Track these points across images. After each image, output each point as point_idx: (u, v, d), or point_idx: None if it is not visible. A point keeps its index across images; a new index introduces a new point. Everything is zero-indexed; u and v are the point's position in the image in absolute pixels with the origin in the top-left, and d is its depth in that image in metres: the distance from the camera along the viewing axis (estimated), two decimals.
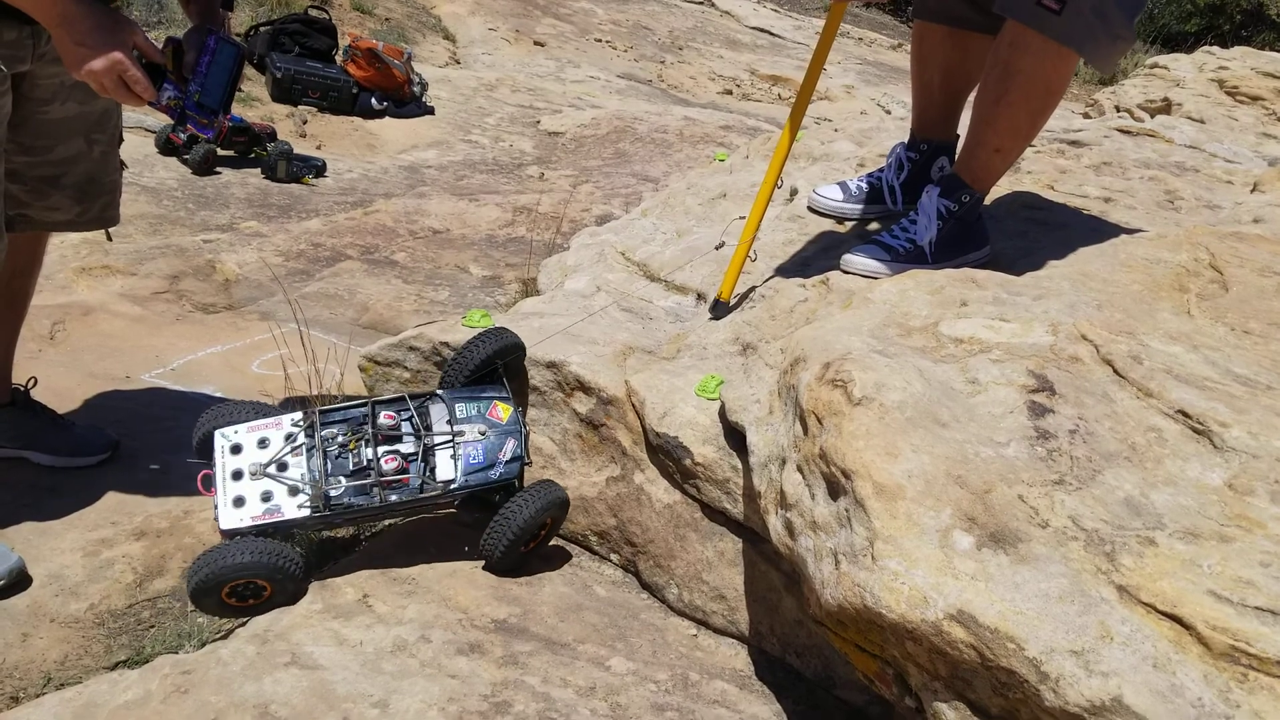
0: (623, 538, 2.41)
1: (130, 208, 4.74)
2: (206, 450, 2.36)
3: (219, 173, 5.59)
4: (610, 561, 2.47)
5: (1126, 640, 1.30)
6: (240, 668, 1.94)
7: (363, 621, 2.10)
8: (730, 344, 2.49)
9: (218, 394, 3.32)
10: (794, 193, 3.32)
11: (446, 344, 2.59)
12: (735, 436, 2.16)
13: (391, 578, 2.27)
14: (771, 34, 12.67)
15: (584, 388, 2.45)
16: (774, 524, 1.84)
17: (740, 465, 2.15)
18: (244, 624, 2.19)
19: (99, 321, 3.75)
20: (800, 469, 1.76)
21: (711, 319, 2.62)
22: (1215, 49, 7.44)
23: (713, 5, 13.47)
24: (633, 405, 2.36)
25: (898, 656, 1.52)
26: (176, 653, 2.14)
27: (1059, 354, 1.85)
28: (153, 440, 3.01)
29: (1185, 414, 1.68)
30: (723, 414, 2.20)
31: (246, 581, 2.14)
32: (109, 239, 2.85)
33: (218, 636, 2.24)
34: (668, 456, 2.27)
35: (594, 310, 2.78)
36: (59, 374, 3.29)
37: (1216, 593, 1.34)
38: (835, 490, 1.64)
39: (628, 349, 2.56)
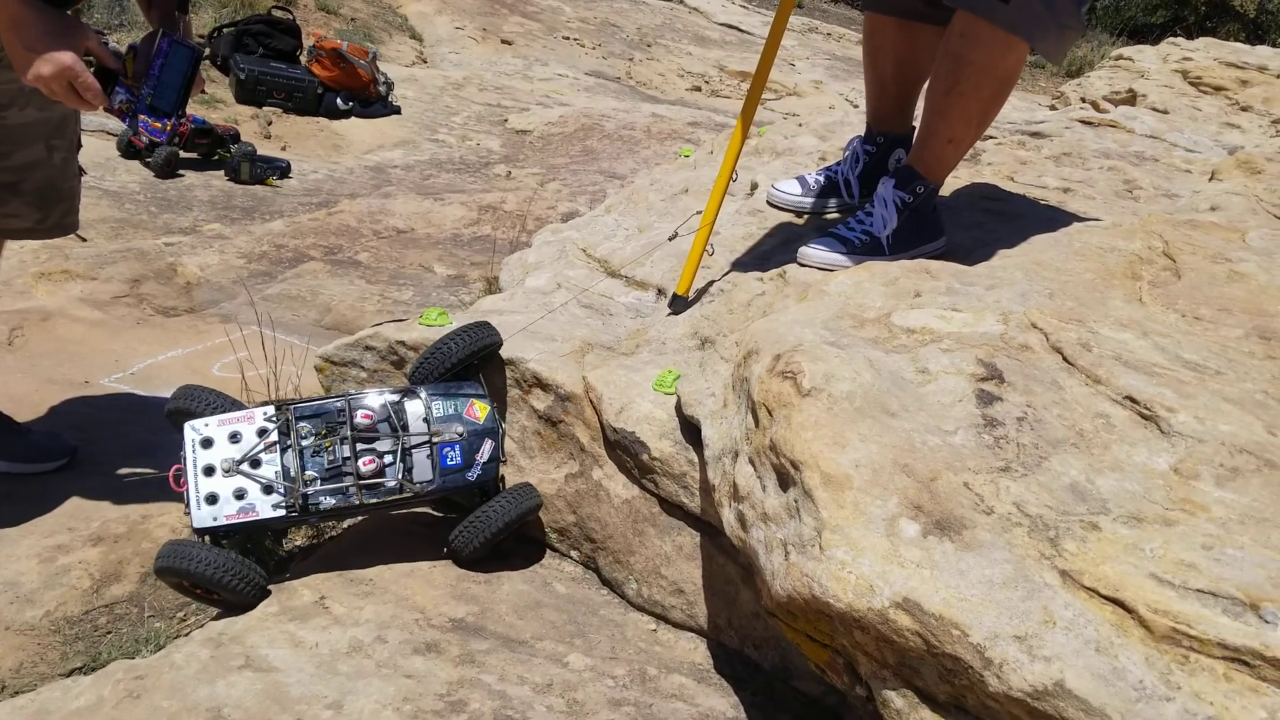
0: (582, 534, 2.40)
1: (92, 211, 4.70)
2: (175, 424, 2.33)
3: (182, 175, 5.54)
4: (570, 558, 2.47)
5: (1069, 625, 1.31)
6: (194, 671, 1.92)
7: (319, 623, 2.09)
8: (689, 338, 2.48)
9: None
10: (754, 187, 3.32)
11: (403, 343, 2.57)
12: (691, 430, 2.16)
13: (349, 578, 2.26)
14: (740, 30, 12.68)
15: (542, 385, 2.44)
16: (728, 516, 1.84)
17: (697, 459, 2.15)
18: (200, 627, 2.17)
19: (58, 326, 3.71)
20: (752, 461, 1.76)
21: (670, 314, 2.62)
22: (1180, 40, 7.50)
23: (681, 2, 13.48)
24: (591, 401, 2.36)
25: (847, 646, 1.52)
26: (133, 658, 2.12)
27: (1009, 343, 1.86)
28: (111, 446, 2.99)
29: (1133, 400, 1.69)
30: (679, 408, 2.20)
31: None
32: (83, 240, 2.82)
33: (175, 639, 2.22)
34: (625, 452, 2.27)
35: (553, 307, 2.77)
36: (16, 379, 3.26)
37: (1158, 576, 1.34)
38: (785, 481, 1.63)
39: (586, 345, 2.55)
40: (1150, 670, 1.25)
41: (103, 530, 2.60)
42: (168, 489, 2.59)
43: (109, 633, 2.34)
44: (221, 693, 1.86)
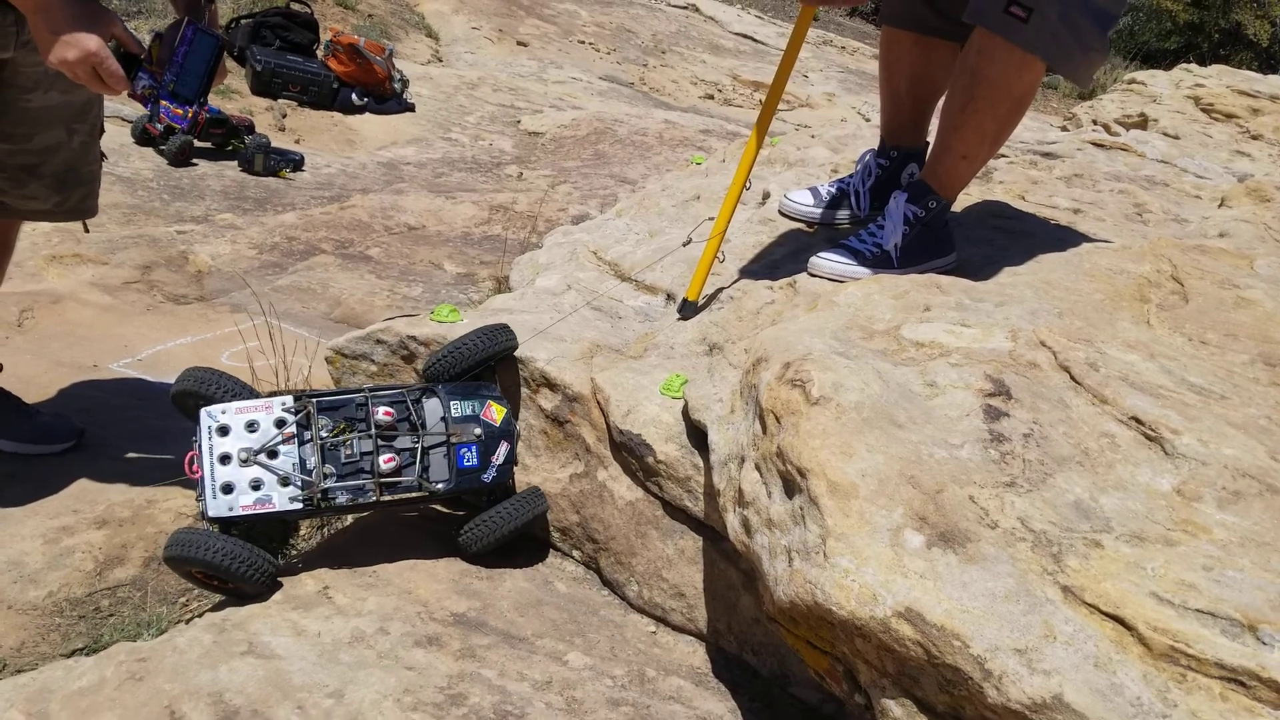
0: (585, 534, 2.42)
1: (104, 197, 4.67)
2: (182, 409, 2.33)
3: (195, 164, 5.57)
4: (572, 558, 2.48)
5: (1069, 640, 1.32)
6: (196, 656, 1.93)
7: (322, 613, 2.10)
8: (697, 344, 2.50)
9: None
10: (766, 196, 3.33)
11: (414, 338, 2.59)
12: (697, 435, 2.17)
13: (353, 570, 2.27)
14: (754, 40, 12.71)
15: (550, 384, 2.46)
16: (732, 521, 1.85)
17: (702, 464, 2.17)
18: (202, 614, 2.18)
19: (68, 310, 3.73)
20: (758, 467, 1.77)
21: (680, 319, 2.63)
22: (1193, 66, 7.51)
23: (697, 10, 13.51)
24: (598, 402, 2.37)
25: (847, 653, 1.53)
26: (135, 641, 2.13)
27: (1017, 359, 1.87)
28: (118, 429, 3.00)
29: (1139, 421, 1.70)
30: (686, 413, 2.21)
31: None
32: (86, 230, 2.84)
33: (177, 624, 2.23)
34: (631, 454, 2.28)
35: (565, 309, 2.79)
36: (26, 361, 3.28)
37: (1159, 595, 1.36)
38: (791, 488, 1.65)
39: (595, 347, 2.56)
40: (1148, 687, 1.27)
41: (108, 513, 2.62)
42: (173, 474, 2.61)
43: (111, 615, 2.36)
44: (223, 678, 1.87)
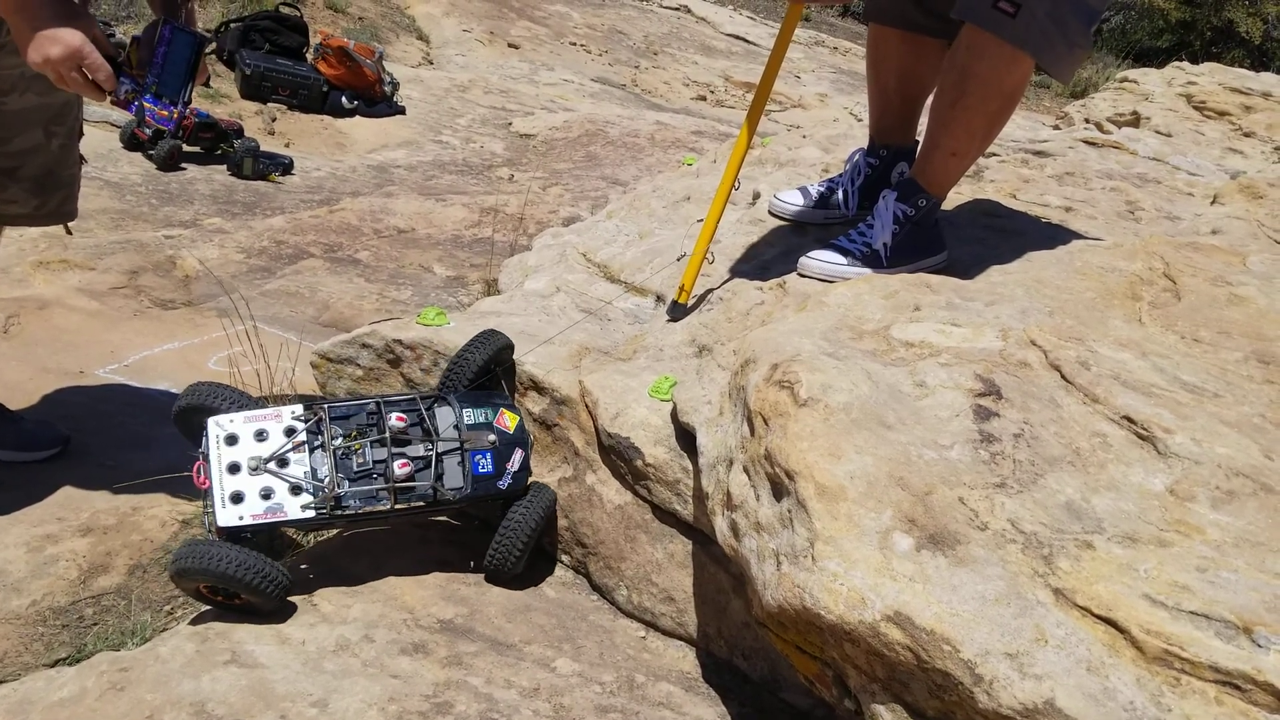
0: (574, 539, 2.39)
1: (92, 202, 4.69)
2: (185, 425, 2.29)
3: (184, 169, 5.53)
4: (561, 563, 2.46)
5: (1061, 643, 1.30)
6: (179, 665, 1.91)
7: (306, 620, 2.08)
8: (686, 346, 2.48)
9: (173, 391, 3.28)
10: (756, 196, 3.31)
11: (400, 341, 2.56)
12: (686, 438, 2.15)
13: (338, 577, 2.24)
14: (746, 41, 12.69)
15: (538, 387, 2.43)
16: (720, 525, 1.83)
17: (691, 467, 2.14)
18: (187, 621, 2.16)
19: (54, 315, 3.70)
20: (746, 470, 1.75)
21: (669, 321, 2.61)
22: (1185, 64, 7.51)
23: (688, 11, 13.49)
24: (586, 406, 2.35)
25: (837, 658, 1.51)
26: (118, 650, 2.10)
27: (1008, 359, 1.85)
28: (104, 436, 2.97)
29: (1130, 420, 1.68)
30: (675, 415, 2.19)
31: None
32: (69, 233, 2.80)
33: (161, 633, 2.20)
34: (619, 457, 2.26)
35: (554, 311, 2.77)
36: (11, 367, 3.25)
37: (1152, 597, 1.34)
38: (779, 491, 1.63)
39: (583, 349, 2.54)
40: (1141, 691, 1.25)
41: (92, 521, 2.58)
42: (159, 481, 2.59)
43: (95, 624, 2.33)
44: (206, 687, 1.85)
